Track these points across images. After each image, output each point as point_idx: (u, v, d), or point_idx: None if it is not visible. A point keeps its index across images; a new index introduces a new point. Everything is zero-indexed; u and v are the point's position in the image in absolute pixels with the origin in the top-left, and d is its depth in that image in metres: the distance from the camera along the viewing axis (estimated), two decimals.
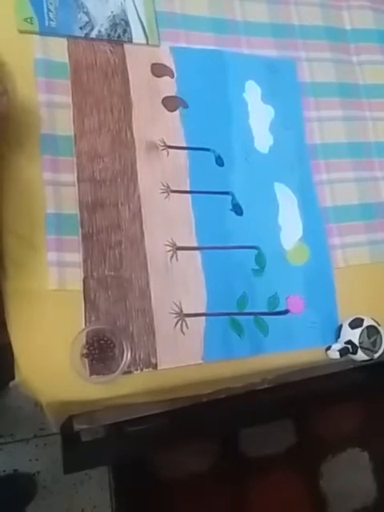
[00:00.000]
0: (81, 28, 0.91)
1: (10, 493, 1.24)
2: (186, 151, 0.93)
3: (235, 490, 1.41)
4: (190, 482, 1.37)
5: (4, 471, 1.28)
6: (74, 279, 0.81)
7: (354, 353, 0.88)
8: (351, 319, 0.90)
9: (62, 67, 0.89)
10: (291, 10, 1.09)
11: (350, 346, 0.88)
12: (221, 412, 0.94)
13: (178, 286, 0.86)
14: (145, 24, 0.96)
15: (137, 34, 0.95)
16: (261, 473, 1.43)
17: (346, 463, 1.51)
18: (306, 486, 1.48)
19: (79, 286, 0.81)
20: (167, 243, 0.87)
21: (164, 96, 0.95)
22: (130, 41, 0.94)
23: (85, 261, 0.82)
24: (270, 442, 1.44)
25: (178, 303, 0.85)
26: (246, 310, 0.89)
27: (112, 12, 0.94)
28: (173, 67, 0.97)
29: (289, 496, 1.44)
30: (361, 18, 1.15)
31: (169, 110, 0.94)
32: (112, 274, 0.83)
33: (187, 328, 0.84)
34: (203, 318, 0.86)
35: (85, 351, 0.78)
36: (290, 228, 0.96)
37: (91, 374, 0.77)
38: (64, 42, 0.90)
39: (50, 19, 0.89)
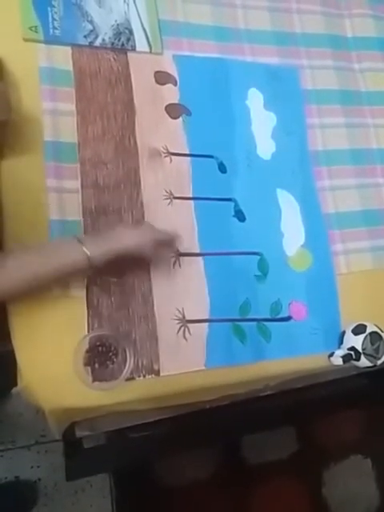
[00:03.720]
0: (85, 36, 0.92)
1: (11, 500, 1.24)
2: (188, 158, 0.94)
3: (237, 496, 1.40)
4: (192, 489, 1.36)
5: (5, 478, 1.28)
6: (77, 286, 0.81)
7: (357, 359, 0.88)
8: (354, 325, 0.90)
9: (66, 75, 0.90)
10: (293, 18, 1.10)
11: (352, 353, 0.88)
12: (223, 419, 0.94)
13: (181, 292, 0.86)
14: (148, 32, 0.97)
15: (140, 43, 0.96)
16: (263, 480, 1.43)
17: (348, 470, 1.50)
18: (308, 493, 1.47)
19: (82, 293, 0.81)
20: None
21: (167, 103, 0.95)
22: (134, 49, 0.95)
23: None
24: (272, 448, 1.43)
25: (180, 309, 0.85)
26: (249, 316, 0.89)
27: (116, 21, 0.95)
28: (176, 75, 0.97)
29: (291, 503, 1.43)
30: (362, 26, 1.16)
31: (172, 118, 0.95)
32: (115, 280, 0.83)
33: (190, 334, 0.84)
34: (206, 324, 0.86)
35: (87, 357, 0.77)
36: (293, 234, 0.96)
37: (94, 380, 0.77)
38: (68, 50, 0.91)
39: (54, 28, 0.90)
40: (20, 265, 0.67)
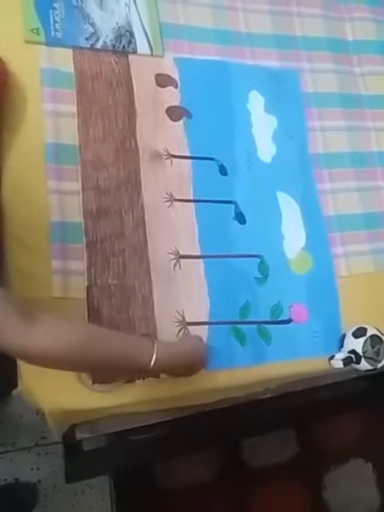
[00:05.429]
0: (86, 39, 0.93)
1: (11, 502, 1.23)
2: (189, 160, 0.94)
3: (237, 500, 1.39)
4: (192, 492, 1.36)
5: (5, 480, 1.27)
6: (78, 287, 0.81)
7: (358, 362, 0.87)
8: (354, 328, 0.90)
9: (68, 77, 0.90)
10: (294, 22, 1.10)
11: (353, 356, 0.87)
12: (223, 421, 0.93)
13: (181, 295, 0.86)
14: (149, 35, 0.97)
15: (141, 45, 0.96)
16: (263, 483, 1.42)
17: (349, 474, 1.49)
18: (309, 496, 1.46)
19: (83, 294, 0.81)
20: (170, 251, 0.88)
21: (168, 106, 0.95)
22: (135, 51, 0.96)
23: (88, 269, 0.82)
24: (272, 451, 1.43)
25: (180, 312, 0.85)
26: (249, 319, 0.89)
27: (117, 23, 0.96)
28: (177, 77, 0.98)
29: (291, 507, 1.42)
30: (363, 30, 1.16)
31: (172, 120, 0.95)
32: (115, 282, 0.83)
33: None
34: (206, 326, 0.86)
35: None
36: (293, 237, 0.96)
37: (94, 382, 0.77)
38: (70, 52, 0.92)
39: (55, 30, 0.91)
40: (92, 331, 0.69)
